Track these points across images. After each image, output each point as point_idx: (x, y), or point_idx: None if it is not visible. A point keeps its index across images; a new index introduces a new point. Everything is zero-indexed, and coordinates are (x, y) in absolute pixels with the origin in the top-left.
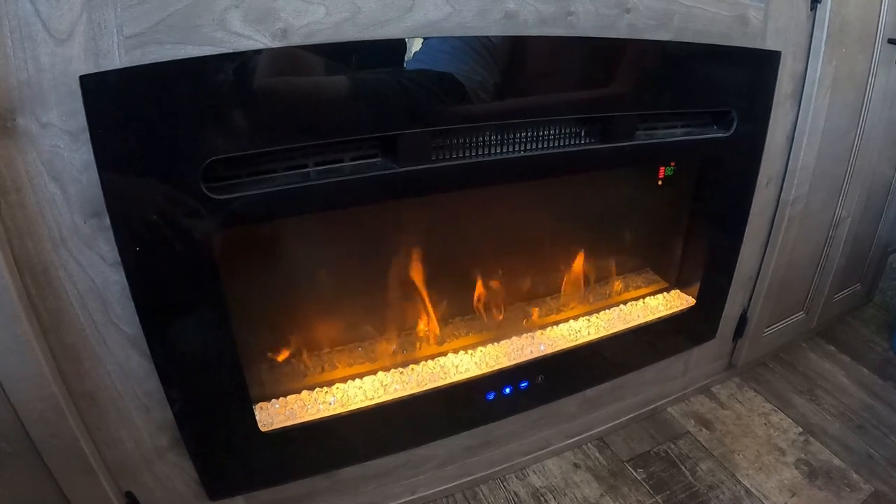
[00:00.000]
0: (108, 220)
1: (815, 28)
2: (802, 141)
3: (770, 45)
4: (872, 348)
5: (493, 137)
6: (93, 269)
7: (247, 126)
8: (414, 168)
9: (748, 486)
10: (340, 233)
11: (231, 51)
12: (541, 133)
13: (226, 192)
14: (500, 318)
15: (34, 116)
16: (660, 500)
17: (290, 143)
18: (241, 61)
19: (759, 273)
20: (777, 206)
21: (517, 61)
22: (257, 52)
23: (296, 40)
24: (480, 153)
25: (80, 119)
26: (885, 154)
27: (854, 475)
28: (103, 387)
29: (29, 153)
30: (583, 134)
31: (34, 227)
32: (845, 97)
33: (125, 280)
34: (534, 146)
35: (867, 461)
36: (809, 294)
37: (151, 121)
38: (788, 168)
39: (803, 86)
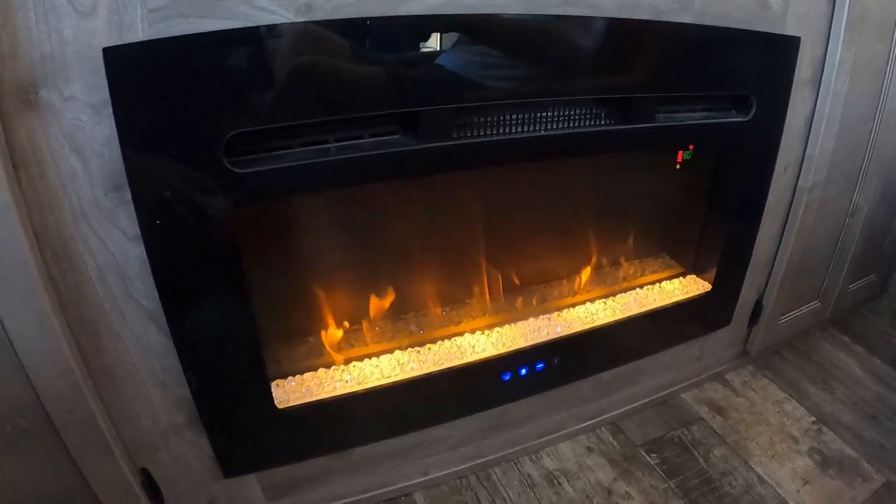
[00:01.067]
0: (128, 194)
1: (835, 14)
2: (821, 127)
3: (790, 30)
4: (887, 340)
5: (514, 116)
6: (113, 243)
7: (268, 101)
8: (435, 145)
9: (761, 473)
10: (360, 211)
11: (255, 25)
12: (562, 113)
13: (247, 167)
14: (518, 299)
15: (57, 90)
16: (672, 486)
17: (310, 118)
18: (265, 35)
19: (775, 260)
20: (794, 192)
21: (540, 42)
22: (281, 26)
23: (320, 15)
24: (501, 132)
25: (103, 92)
26: None
27: (866, 465)
28: (121, 363)
29: (51, 126)
30: (603, 115)
31: (55, 200)
32: (864, 85)
33: (145, 254)
34: (555, 126)
35: (879, 451)
36: (825, 283)
37: (174, 94)
38: (806, 154)
39: (822, 72)
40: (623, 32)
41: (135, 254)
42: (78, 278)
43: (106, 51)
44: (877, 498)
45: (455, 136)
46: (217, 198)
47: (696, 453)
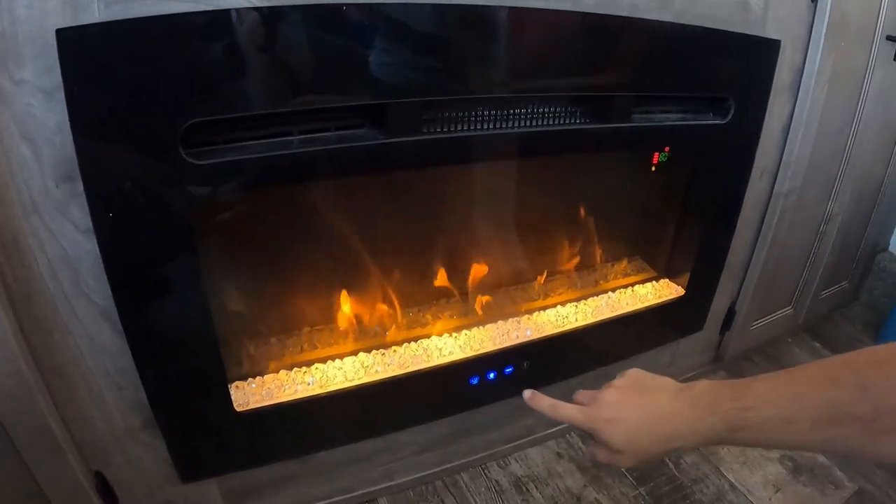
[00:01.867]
0: (80, 185)
1: (815, 19)
2: (798, 134)
3: (770, 33)
4: (858, 346)
5: (486, 112)
6: (64, 237)
7: (228, 89)
8: (403, 140)
9: (732, 480)
10: (324, 207)
11: (215, 8)
12: (535, 110)
13: (205, 158)
14: (486, 300)
15: (7, 73)
16: (643, 493)
17: (272, 108)
18: (226, 20)
19: (748, 266)
20: (770, 198)
21: (515, 34)
22: (242, 10)
23: (284, 0)
24: (473, 127)
25: (56, 76)
26: (877, 153)
27: (838, 472)
28: (73, 362)
29: (1, 112)
30: (578, 113)
31: (4, 191)
32: (842, 92)
33: (97, 249)
34: (528, 123)
35: (851, 459)
36: (797, 289)
37: (129, 79)
38: (783, 160)
39: (801, 78)
40: (601, 29)
41: (87, 248)
42: (28, 273)
43: (59, 32)
44: None
45: (424, 130)
46: (173, 190)
47: (666, 460)
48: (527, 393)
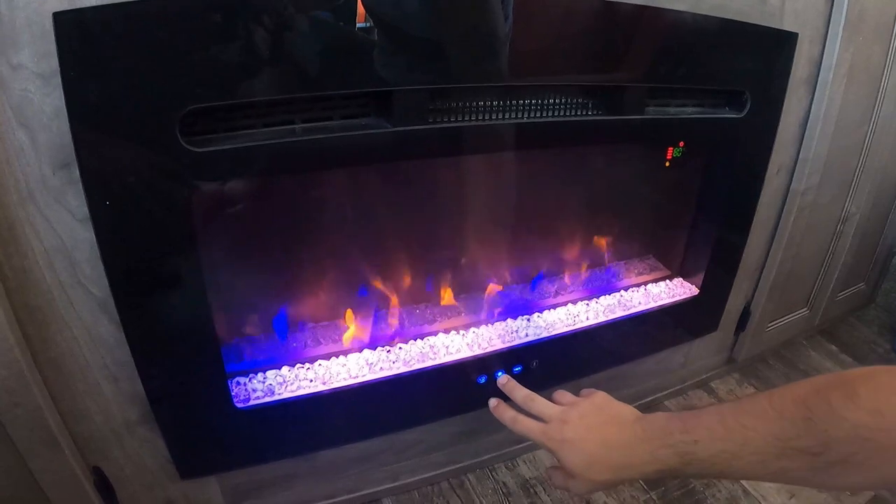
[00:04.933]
0: (77, 172)
1: (833, 12)
2: (815, 129)
3: (788, 25)
4: (874, 349)
5: (495, 102)
6: (61, 226)
7: (227, 74)
8: (409, 129)
9: (746, 485)
10: (328, 198)
11: None
12: (546, 100)
13: (204, 146)
14: (495, 296)
15: (5, 57)
16: (654, 497)
17: (274, 94)
18: (226, 3)
19: (764, 265)
20: (786, 195)
21: (525, 21)
22: None
23: None
24: (481, 117)
25: (53, 61)
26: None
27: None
28: (70, 354)
29: None
30: (590, 104)
31: (0, 178)
32: (860, 88)
33: (94, 238)
34: (538, 114)
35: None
36: (814, 290)
37: (127, 63)
38: (800, 157)
39: (818, 72)
40: (615, 16)
41: (84, 237)
42: (24, 262)
43: (56, 15)
44: None
45: (431, 120)
46: (172, 178)
47: (666, 478)
48: (492, 402)
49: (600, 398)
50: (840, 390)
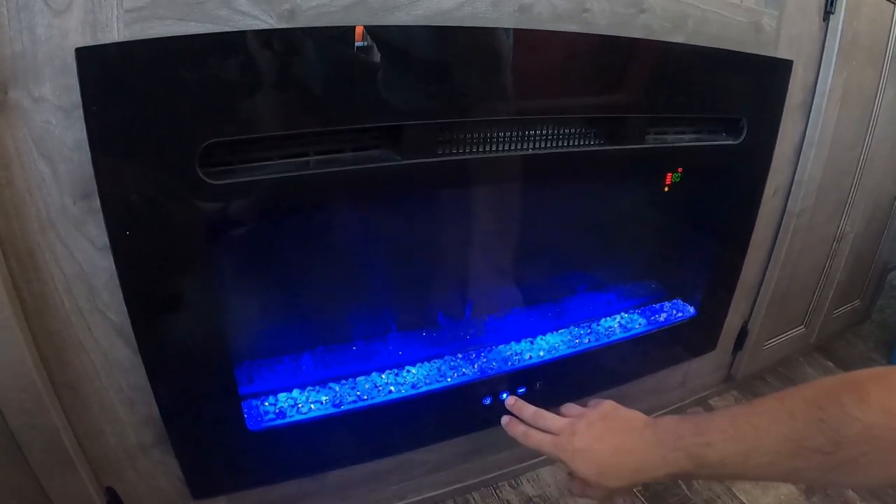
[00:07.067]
0: (98, 202)
1: (826, 39)
2: (810, 153)
3: (782, 53)
4: (870, 365)
5: (501, 134)
6: (80, 253)
7: (246, 109)
8: (418, 161)
9: (745, 501)
10: (340, 225)
11: (235, 30)
12: (550, 132)
13: (222, 178)
14: (499, 320)
15: (27, 90)
16: None
17: (289, 129)
18: (245, 41)
19: (761, 285)
20: (782, 217)
21: (529, 56)
22: (262, 32)
23: (302, 22)
24: (488, 149)
25: (75, 95)
26: (889, 171)
27: (851, 493)
28: (87, 377)
29: (19, 129)
30: (593, 134)
31: (21, 206)
32: (854, 111)
33: (113, 266)
34: (543, 145)
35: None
36: (810, 308)
37: (147, 98)
38: (795, 179)
39: (813, 97)
40: (614, 51)
41: (103, 265)
42: (43, 288)
43: (79, 51)
44: None
45: (440, 152)
46: (190, 209)
47: (678, 481)
48: (505, 419)
49: (607, 406)
50: (851, 391)
